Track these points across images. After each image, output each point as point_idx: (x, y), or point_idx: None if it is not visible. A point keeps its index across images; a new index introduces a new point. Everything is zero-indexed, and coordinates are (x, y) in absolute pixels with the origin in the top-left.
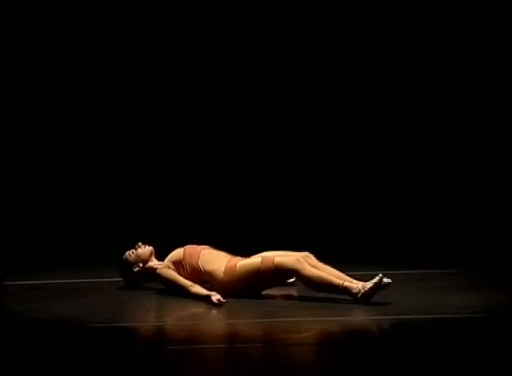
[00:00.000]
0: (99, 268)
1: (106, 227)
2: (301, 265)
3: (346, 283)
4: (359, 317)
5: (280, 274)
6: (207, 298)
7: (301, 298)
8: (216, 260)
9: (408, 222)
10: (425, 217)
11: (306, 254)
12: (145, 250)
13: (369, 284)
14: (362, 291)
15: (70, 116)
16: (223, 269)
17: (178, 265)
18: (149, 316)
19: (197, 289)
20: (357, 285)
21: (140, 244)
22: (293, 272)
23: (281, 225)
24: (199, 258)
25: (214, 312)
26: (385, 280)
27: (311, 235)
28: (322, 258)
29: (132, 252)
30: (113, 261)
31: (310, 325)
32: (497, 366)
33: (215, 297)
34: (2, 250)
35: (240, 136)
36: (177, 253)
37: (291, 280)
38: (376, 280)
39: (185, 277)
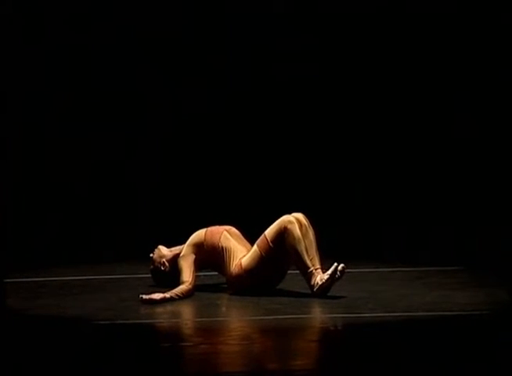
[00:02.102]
0: (102, 265)
1: (110, 224)
2: (290, 221)
3: (313, 271)
4: (361, 314)
5: (280, 244)
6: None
7: (306, 295)
8: (233, 251)
9: (411, 219)
10: (428, 214)
11: (299, 214)
12: (155, 252)
13: (325, 276)
14: (320, 283)
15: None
16: (235, 263)
17: (199, 246)
18: (153, 313)
19: (176, 289)
20: (315, 278)
21: (151, 255)
22: (284, 230)
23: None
24: (220, 238)
25: (222, 308)
26: (340, 267)
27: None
28: (327, 255)
29: (152, 264)
30: (116, 258)
31: (313, 322)
32: (501, 363)
33: (147, 296)
34: (2, 248)
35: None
36: (198, 234)
37: None
38: (331, 270)
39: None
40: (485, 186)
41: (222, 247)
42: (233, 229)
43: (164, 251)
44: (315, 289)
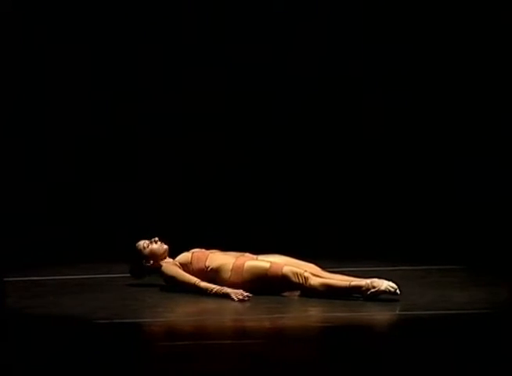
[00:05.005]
0: (101, 264)
1: (109, 224)
2: (305, 280)
3: (353, 283)
4: (363, 313)
5: (286, 284)
6: (227, 296)
7: (304, 295)
8: (224, 259)
9: (411, 218)
10: (428, 213)
11: (312, 266)
12: (160, 247)
13: (382, 287)
14: (373, 291)
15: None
16: (230, 267)
17: (185, 265)
18: (153, 312)
19: (206, 284)
20: (365, 282)
21: (157, 239)
22: (298, 286)
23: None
24: (206, 260)
25: (221, 307)
26: (397, 291)
27: (316, 232)
28: (328, 254)
29: (148, 245)
30: (116, 257)
31: (314, 321)
32: (500, 362)
33: (236, 295)
34: (2, 247)
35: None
36: (184, 256)
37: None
38: (390, 289)
39: (191, 274)
40: (485, 184)
41: (209, 267)
42: (218, 252)
43: (163, 254)
44: (368, 293)
